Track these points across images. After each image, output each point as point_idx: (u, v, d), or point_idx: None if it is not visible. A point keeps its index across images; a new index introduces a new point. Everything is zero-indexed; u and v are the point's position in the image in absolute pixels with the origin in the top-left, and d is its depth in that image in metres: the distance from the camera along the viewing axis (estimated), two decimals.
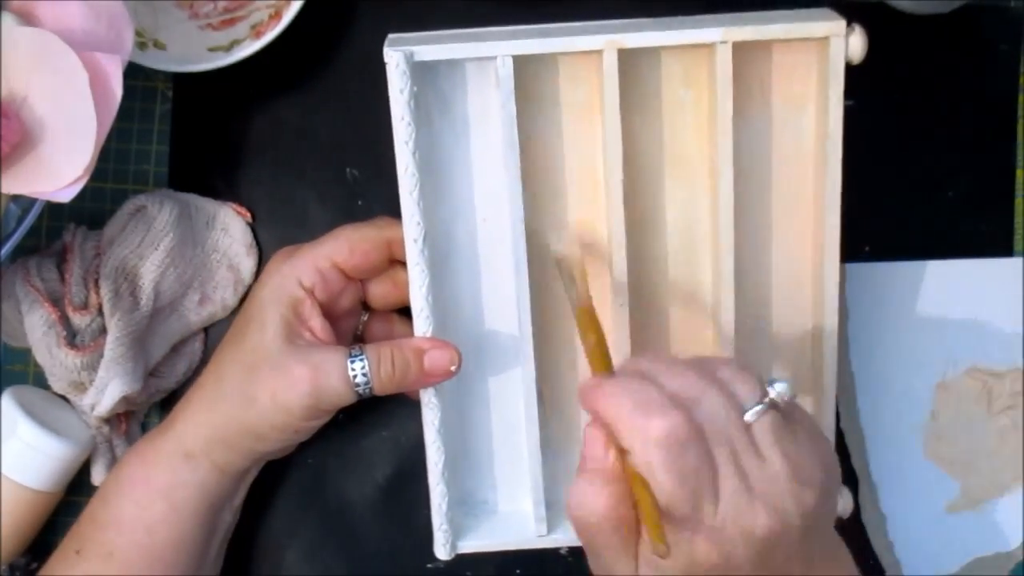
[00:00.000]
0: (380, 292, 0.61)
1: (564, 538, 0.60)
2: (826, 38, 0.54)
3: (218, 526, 0.59)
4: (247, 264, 0.64)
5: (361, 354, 0.56)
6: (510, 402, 0.60)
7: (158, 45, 0.62)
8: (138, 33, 0.61)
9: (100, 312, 0.60)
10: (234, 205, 0.64)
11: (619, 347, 0.58)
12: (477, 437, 0.61)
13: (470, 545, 0.59)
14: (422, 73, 0.55)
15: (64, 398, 0.63)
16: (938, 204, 0.66)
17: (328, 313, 0.58)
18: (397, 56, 0.53)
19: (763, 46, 0.56)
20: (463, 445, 0.61)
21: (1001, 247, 0.66)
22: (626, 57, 0.55)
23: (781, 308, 0.60)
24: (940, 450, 0.65)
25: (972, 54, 0.66)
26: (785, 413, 0.47)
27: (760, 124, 0.58)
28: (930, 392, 0.66)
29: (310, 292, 0.58)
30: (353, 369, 0.55)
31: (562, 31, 0.56)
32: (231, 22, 0.63)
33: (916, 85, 0.66)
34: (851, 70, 0.67)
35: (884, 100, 0.66)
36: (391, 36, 0.56)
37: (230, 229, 0.64)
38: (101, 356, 0.60)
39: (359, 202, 0.65)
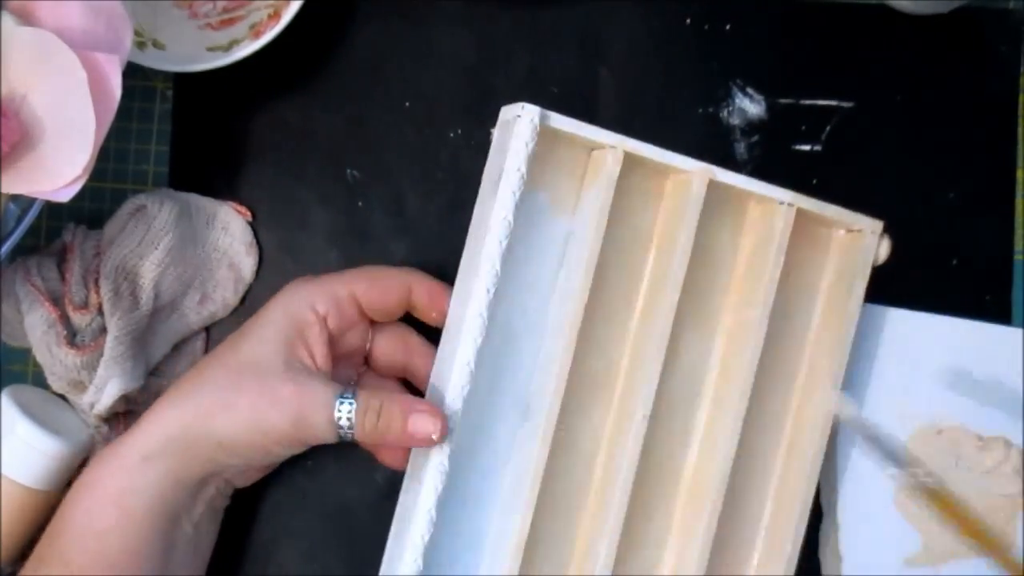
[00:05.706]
0: (386, 347, 0.60)
1: None
2: (861, 230, 0.61)
3: (177, 538, 0.57)
4: (248, 263, 0.64)
5: (351, 396, 0.54)
6: (497, 506, 0.59)
7: (157, 45, 0.62)
8: (137, 33, 0.61)
9: (100, 311, 0.60)
10: (234, 204, 0.64)
11: (630, 455, 0.58)
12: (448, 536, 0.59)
13: None
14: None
15: (63, 397, 0.63)
16: (938, 204, 0.66)
17: (332, 348, 0.58)
18: (533, 111, 0.54)
19: (807, 234, 0.62)
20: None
21: (1000, 248, 0.66)
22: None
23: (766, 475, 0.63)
24: (910, 502, 0.64)
25: (972, 54, 0.66)
26: None
27: (780, 299, 0.61)
28: (910, 443, 0.65)
29: (322, 319, 0.57)
30: (339, 411, 0.54)
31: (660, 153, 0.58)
32: (230, 22, 0.63)
33: (916, 85, 0.66)
34: (851, 70, 0.67)
35: (884, 100, 0.66)
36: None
37: (230, 228, 0.64)
38: (101, 355, 0.60)
39: (359, 203, 0.65)
